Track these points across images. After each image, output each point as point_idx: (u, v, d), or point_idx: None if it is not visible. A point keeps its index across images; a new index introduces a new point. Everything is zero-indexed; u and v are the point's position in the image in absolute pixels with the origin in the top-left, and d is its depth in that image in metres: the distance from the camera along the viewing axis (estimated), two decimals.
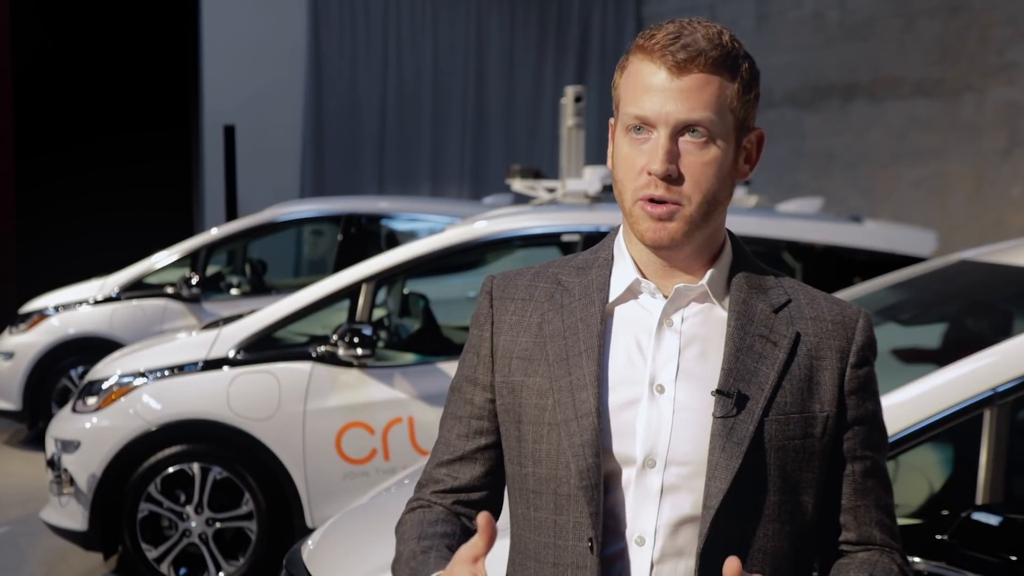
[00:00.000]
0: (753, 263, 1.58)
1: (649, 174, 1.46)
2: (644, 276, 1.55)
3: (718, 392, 1.48)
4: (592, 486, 1.47)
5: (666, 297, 1.53)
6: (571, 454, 1.48)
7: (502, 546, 1.63)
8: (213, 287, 7.91)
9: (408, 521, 1.62)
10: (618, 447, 1.49)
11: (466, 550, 1.35)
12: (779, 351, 1.51)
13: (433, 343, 5.62)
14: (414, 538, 1.57)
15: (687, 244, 1.50)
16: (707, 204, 1.48)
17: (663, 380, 1.50)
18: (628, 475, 1.49)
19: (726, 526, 1.45)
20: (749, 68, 1.50)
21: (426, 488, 1.64)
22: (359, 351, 4.78)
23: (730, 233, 1.59)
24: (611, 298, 1.55)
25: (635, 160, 1.48)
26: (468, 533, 1.60)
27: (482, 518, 1.35)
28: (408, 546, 1.56)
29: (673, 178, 1.46)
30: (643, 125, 1.48)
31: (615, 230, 1.61)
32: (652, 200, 1.47)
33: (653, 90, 1.47)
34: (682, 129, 1.46)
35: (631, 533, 1.48)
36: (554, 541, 1.51)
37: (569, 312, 1.56)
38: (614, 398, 1.51)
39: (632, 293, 1.55)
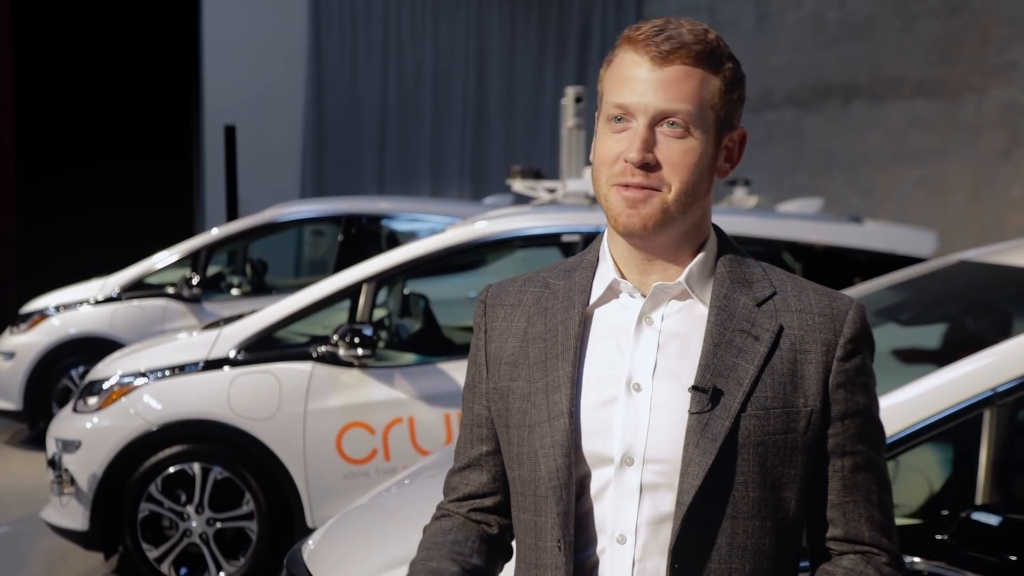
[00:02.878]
0: (739, 257, 1.57)
1: (626, 162, 1.47)
2: (624, 276, 1.55)
3: (694, 388, 1.47)
4: (561, 486, 1.49)
5: (644, 296, 1.53)
6: (541, 455, 1.50)
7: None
8: (214, 287, 7.92)
9: (427, 530, 1.68)
10: (596, 446, 1.50)
11: None
12: (760, 345, 1.49)
13: (433, 343, 5.62)
14: (424, 548, 1.64)
15: (661, 234, 1.50)
16: (685, 195, 1.48)
17: (639, 378, 1.50)
18: (607, 474, 1.49)
19: (700, 523, 1.45)
20: (733, 68, 1.51)
21: (446, 496, 1.70)
22: (360, 351, 4.78)
23: (717, 229, 1.58)
24: (592, 300, 1.56)
25: (612, 148, 1.49)
26: (484, 539, 1.64)
27: None
28: (419, 555, 1.63)
29: (650, 166, 1.47)
30: (624, 115, 1.48)
31: (603, 232, 1.61)
32: (627, 185, 1.47)
33: (635, 80, 1.48)
34: (660, 119, 1.47)
35: (612, 531, 1.49)
36: (535, 542, 1.54)
37: (551, 315, 1.57)
38: (592, 398, 1.51)
39: (613, 293, 1.56)
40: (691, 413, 1.47)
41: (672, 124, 1.47)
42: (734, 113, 1.52)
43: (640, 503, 1.48)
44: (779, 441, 1.48)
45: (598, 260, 1.59)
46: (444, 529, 1.64)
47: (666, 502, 1.47)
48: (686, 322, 1.52)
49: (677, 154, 1.47)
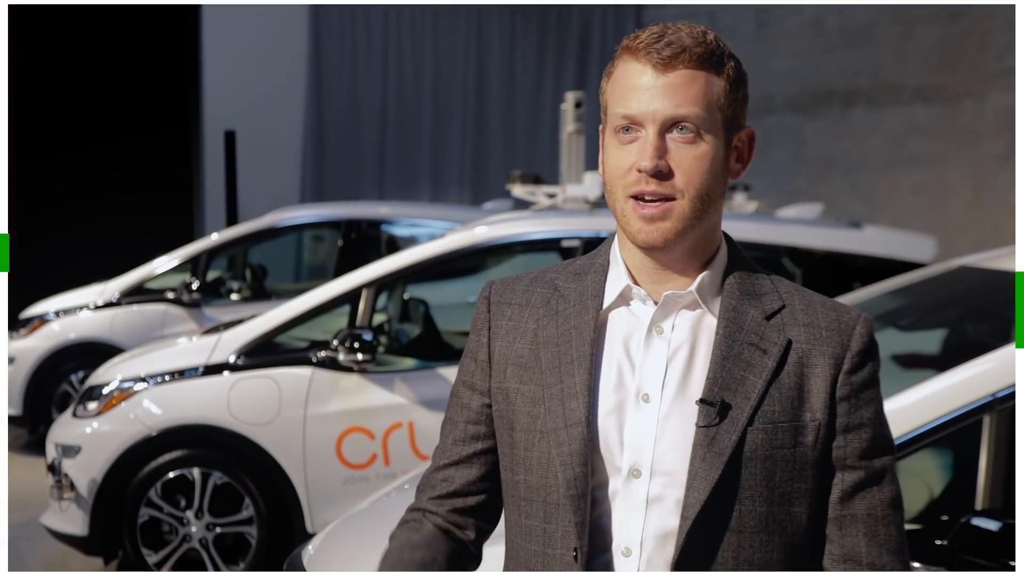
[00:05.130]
0: (749, 267, 1.56)
1: (639, 171, 1.46)
2: (636, 282, 1.53)
3: (701, 401, 1.46)
4: (579, 495, 1.47)
5: (656, 303, 1.52)
6: (559, 463, 1.48)
7: (499, 552, 1.64)
8: (214, 292, 7.92)
9: (394, 540, 1.63)
10: (604, 457, 1.49)
11: None
12: (768, 359, 1.49)
13: (433, 348, 5.62)
14: (388, 564, 1.58)
15: (680, 244, 1.49)
16: (700, 200, 1.47)
17: (648, 389, 1.49)
18: (615, 485, 1.48)
19: (705, 537, 1.44)
20: (735, 67, 1.51)
21: (424, 493, 1.64)
22: (359, 356, 4.79)
23: (727, 237, 1.57)
24: (604, 305, 1.54)
25: (624, 159, 1.48)
26: (450, 557, 1.60)
27: None
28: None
29: (663, 174, 1.46)
30: (631, 125, 1.47)
31: (612, 235, 1.60)
32: (643, 199, 1.46)
33: (640, 89, 1.47)
34: (670, 126, 1.46)
35: (617, 544, 1.48)
36: (543, 549, 1.51)
37: (564, 319, 1.55)
38: (602, 407, 1.50)
39: (624, 299, 1.54)
40: (698, 426, 1.46)
41: (682, 129, 1.46)
42: (740, 112, 1.52)
43: (646, 516, 1.47)
44: (788, 455, 1.47)
45: (609, 264, 1.57)
46: (412, 544, 1.60)
47: (672, 516, 1.46)
48: (695, 333, 1.51)
49: (689, 160, 1.46)
